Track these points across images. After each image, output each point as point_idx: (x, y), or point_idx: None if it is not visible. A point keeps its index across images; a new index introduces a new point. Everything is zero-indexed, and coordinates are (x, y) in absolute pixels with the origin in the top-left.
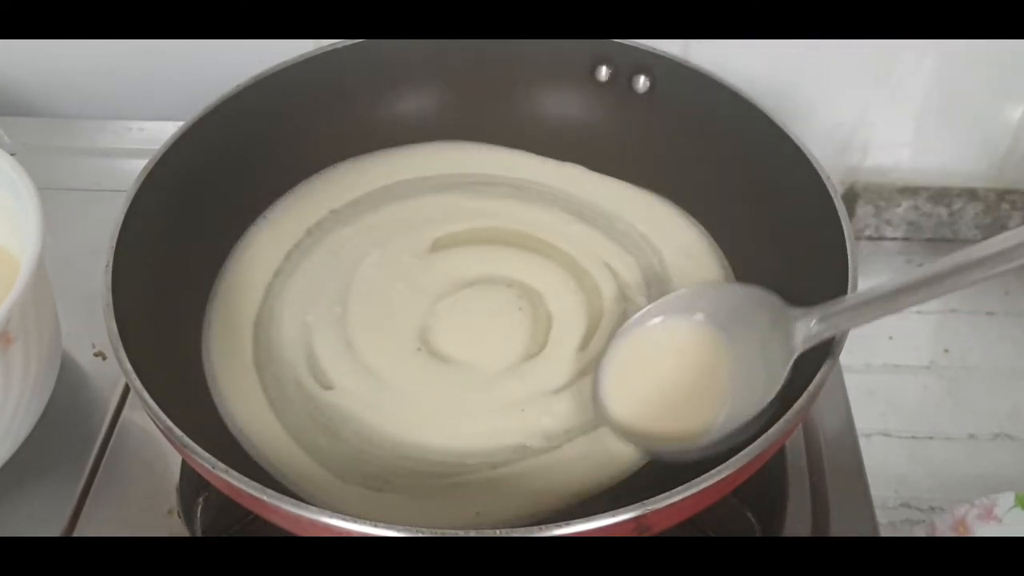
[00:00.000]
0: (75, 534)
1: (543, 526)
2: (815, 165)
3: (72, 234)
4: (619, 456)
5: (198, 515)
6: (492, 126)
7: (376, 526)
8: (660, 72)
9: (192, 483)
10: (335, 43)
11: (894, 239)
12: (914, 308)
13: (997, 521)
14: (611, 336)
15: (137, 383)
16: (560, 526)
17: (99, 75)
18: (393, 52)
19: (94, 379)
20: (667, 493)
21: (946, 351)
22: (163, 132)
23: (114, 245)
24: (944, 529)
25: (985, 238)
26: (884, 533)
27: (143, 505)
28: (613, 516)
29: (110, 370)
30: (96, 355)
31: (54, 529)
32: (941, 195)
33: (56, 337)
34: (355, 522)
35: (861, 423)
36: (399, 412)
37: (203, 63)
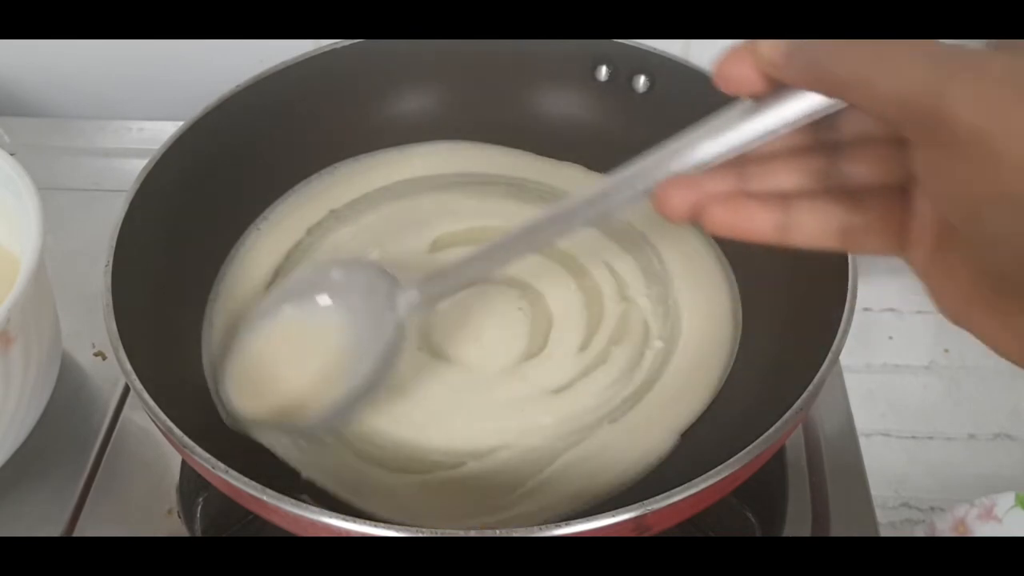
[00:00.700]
0: (75, 534)
1: (543, 526)
2: None
3: (72, 234)
4: (619, 461)
5: (198, 515)
6: (492, 126)
7: (376, 526)
8: (660, 72)
9: (192, 483)
10: (335, 43)
11: None
12: (914, 308)
13: (997, 521)
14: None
15: (137, 383)
16: (560, 526)
17: (99, 75)
18: (393, 52)
19: (94, 379)
20: (667, 493)
21: (946, 351)
22: (163, 132)
23: (114, 245)
24: (944, 529)
25: None
26: (884, 533)
27: (143, 505)
28: (613, 516)
29: (110, 370)
30: (96, 355)
31: (54, 529)
32: None
33: (56, 337)
34: (355, 522)
35: (861, 423)
36: (399, 411)
37: (203, 63)
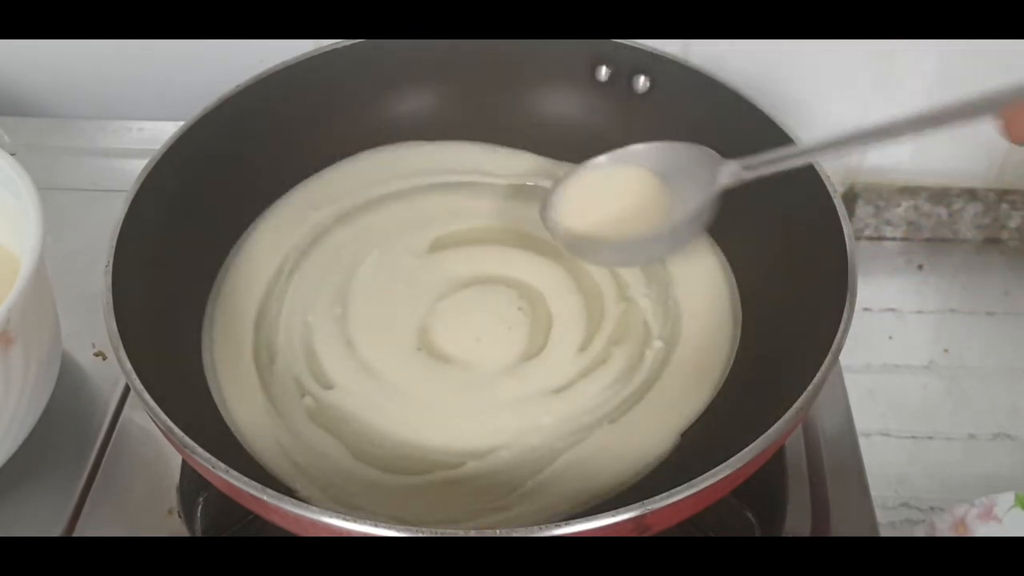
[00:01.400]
0: (75, 534)
1: (543, 526)
2: (815, 165)
3: (72, 234)
4: (619, 461)
5: (198, 515)
6: (492, 126)
7: (376, 526)
8: (660, 72)
9: (192, 483)
10: (335, 43)
11: (894, 239)
12: (914, 308)
13: (997, 521)
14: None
15: (137, 383)
16: (560, 526)
17: (99, 75)
18: (393, 52)
19: (94, 379)
20: (667, 493)
21: (946, 351)
22: (163, 132)
23: (114, 245)
24: (944, 529)
25: (985, 238)
26: (884, 533)
27: (143, 505)
28: (613, 516)
29: (110, 370)
30: (96, 355)
31: (54, 529)
32: (941, 195)
33: (56, 337)
34: (355, 522)
35: (861, 423)
36: (399, 412)
37: (203, 63)
